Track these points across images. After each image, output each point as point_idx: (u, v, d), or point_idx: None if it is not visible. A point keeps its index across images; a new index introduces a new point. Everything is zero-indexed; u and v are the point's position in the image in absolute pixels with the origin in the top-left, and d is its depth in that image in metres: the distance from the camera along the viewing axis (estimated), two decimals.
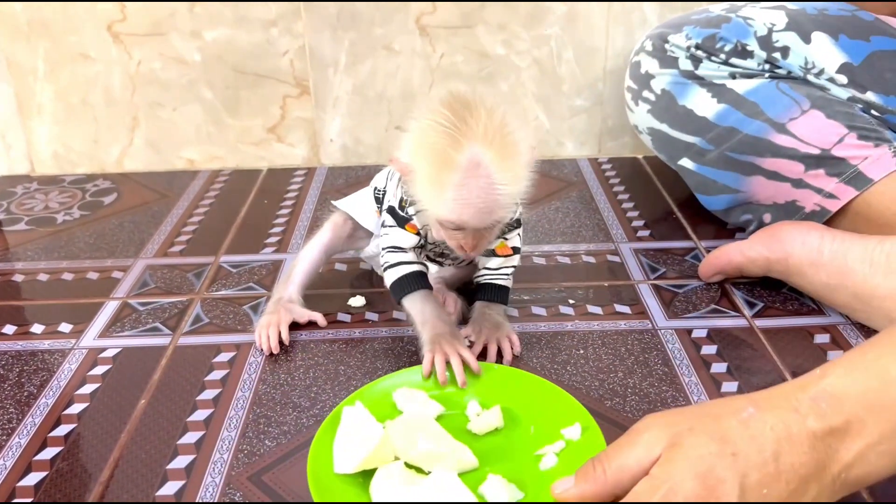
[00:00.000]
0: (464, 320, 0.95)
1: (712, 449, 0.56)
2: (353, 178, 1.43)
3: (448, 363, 0.82)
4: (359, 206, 0.99)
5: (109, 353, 0.93)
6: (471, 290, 0.96)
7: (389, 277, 0.88)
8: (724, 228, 1.17)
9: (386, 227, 0.89)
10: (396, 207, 0.88)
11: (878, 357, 0.57)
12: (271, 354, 0.91)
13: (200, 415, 0.82)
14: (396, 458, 0.72)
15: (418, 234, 0.87)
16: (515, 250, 0.91)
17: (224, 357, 0.91)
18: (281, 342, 0.92)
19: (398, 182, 0.88)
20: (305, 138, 1.46)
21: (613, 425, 0.78)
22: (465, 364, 0.81)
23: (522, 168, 0.76)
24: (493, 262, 0.92)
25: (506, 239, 0.90)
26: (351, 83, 1.41)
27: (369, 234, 1.01)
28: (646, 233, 1.18)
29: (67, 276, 1.12)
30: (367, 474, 0.70)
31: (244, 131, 1.45)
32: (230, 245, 1.19)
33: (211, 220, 1.28)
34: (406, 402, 0.79)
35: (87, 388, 0.87)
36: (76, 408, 0.84)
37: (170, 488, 0.73)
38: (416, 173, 0.78)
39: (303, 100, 1.43)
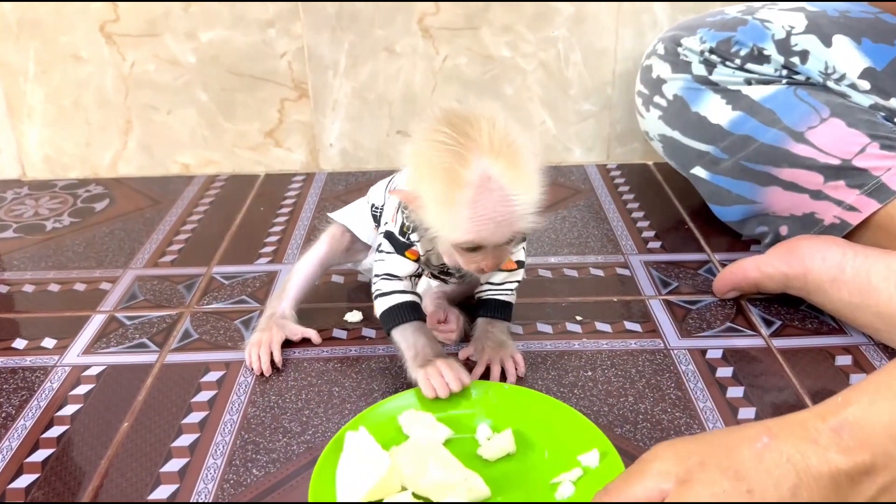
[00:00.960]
0: (465, 338, 0.90)
1: (725, 486, 0.52)
2: (352, 183, 1.38)
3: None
4: (356, 218, 0.95)
5: (94, 371, 0.89)
6: (472, 306, 0.91)
7: (381, 306, 0.83)
8: (738, 240, 1.13)
9: (382, 252, 0.84)
10: (396, 234, 0.83)
11: None
12: (262, 374, 0.87)
13: (185, 440, 0.78)
14: (404, 488, 0.68)
15: (418, 259, 0.83)
16: (520, 264, 0.86)
17: (213, 376, 0.87)
18: (273, 363, 0.88)
19: (398, 208, 0.83)
20: (304, 143, 1.41)
21: (624, 454, 0.73)
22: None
23: (534, 175, 0.72)
24: (497, 277, 0.88)
25: (511, 252, 0.85)
26: (351, 86, 1.37)
27: (367, 247, 0.96)
28: (656, 244, 1.13)
29: (54, 288, 1.07)
30: None
31: (241, 135, 1.41)
32: (223, 255, 1.14)
33: (205, 228, 1.23)
34: (413, 426, 0.75)
35: (69, 410, 0.83)
36: (55, 431, 0.80)
37: None
38: (422, 199, 0.73)
39: (301, 103, 1.38)
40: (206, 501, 0.69)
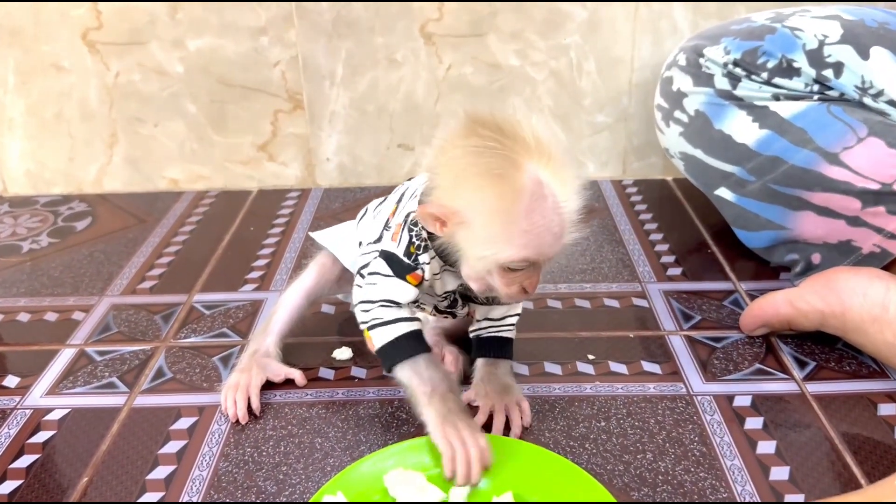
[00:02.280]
0: (464, 378, 0.81)
1: None
2: (350, 200, 1.30)
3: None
4: (344, 244, 0.86)
5: (56, 416, 0.81)
6: (467, 343, 0.82)
7: (382, 337, 0.72)
8: (766, 266, 1.03)
9: (376, 275, 0.73)
10: (401, 255, 0.72)
11: None
12: (237, 422, 0.78)
13: (150, 497, 0.69)
14: None
15: (419, 285, 0.72)
16: None
17: (184, 423, 0.79)
18: (251, 409, 0.79)
19: (405, 225, 0.72)
20: (299, 157, 1.33)
21: None
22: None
23: (576, 178, 0.64)
24: (497, 312, 0.79)
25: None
26: (349, 97, 1.28)
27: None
28: (677, 270, 1.04)
29: (23, 317, 0.99)
30: None
31: (232, 149, 1.32)
32: (207, 281, 1.06)
33: (189, 250, 1.15)
34: (399, 488, 0.66)
35: (25, 461, 0.75)
36: (8, 486, 0.72)
37: None
38: (465, 213, 0.63)
39: (296, 115, 1.30)
40: None
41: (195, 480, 0.71)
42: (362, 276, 0.74)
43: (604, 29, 1.23)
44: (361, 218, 0.86)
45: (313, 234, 0.89)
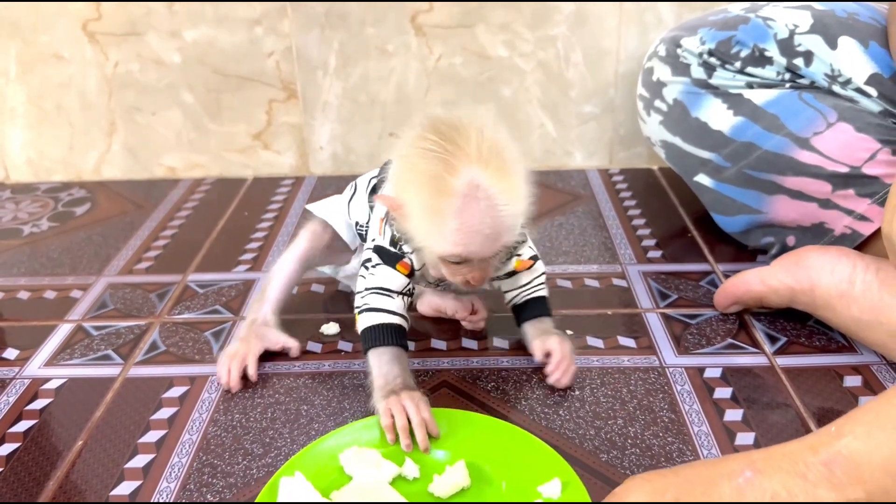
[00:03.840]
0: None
1: None
2: (343, 187, 1.32)
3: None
4: (337, 213, 0.90)
5: (53, 385, 0.84)
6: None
7: (365, 321, 0.77)
8: (744, 250, 1.06)
9: (371, 266, 0.78)
10: (387, 245, 0.77)
11: None
12: (229, 390, 0.82)
13: (140, 460, 0.73)
14: None
15: (410, 273, 0.77)
16: (535, 258, 0.83)
17: (176, 392, 0.82)
18: (246, 377, 0.82)
19: (385, 220, 0.78)
20: (293, 145, 1.36)
21: (607, 483, 0.68)
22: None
23: (522, 185, 0.68)
24: (523, 279, 0.83)
25: (518, 255, 0.81)
26: (341, 87, 1.31)
27: (348, 248, 0.91)
28: (657, 254, 1.07)
29: (23, 295, 1.03)
30: None
31: (227, 138, 1.36)
32: (201, 262, 1.09)
33: (185, 233, 1.18)
34: (355, 466, 0.68)
35: (22, 426, 0.78)
36: (6, 448, 0.75)
37: None
38: (408, 207, 0.69)
39: (290, 104, 1.33)
40: None
41: (185, 444, 0.75)
42: (365, 267, 0.79)
43: (590, 21, 1.26)
44: (353, 196, 0.89)
45: (308, 206, 0.93)
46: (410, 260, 0.77)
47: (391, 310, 0.77)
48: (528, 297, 0.83)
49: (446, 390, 0.80)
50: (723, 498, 0.49)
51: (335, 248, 0.91)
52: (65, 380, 0.85)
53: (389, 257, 0.77)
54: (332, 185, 1.34)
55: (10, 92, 1.33)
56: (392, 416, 0.70)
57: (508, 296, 0.85)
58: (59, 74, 1.32)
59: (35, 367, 0.87)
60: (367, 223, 0.85)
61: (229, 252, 1.12)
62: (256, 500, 0.64)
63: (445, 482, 0.66)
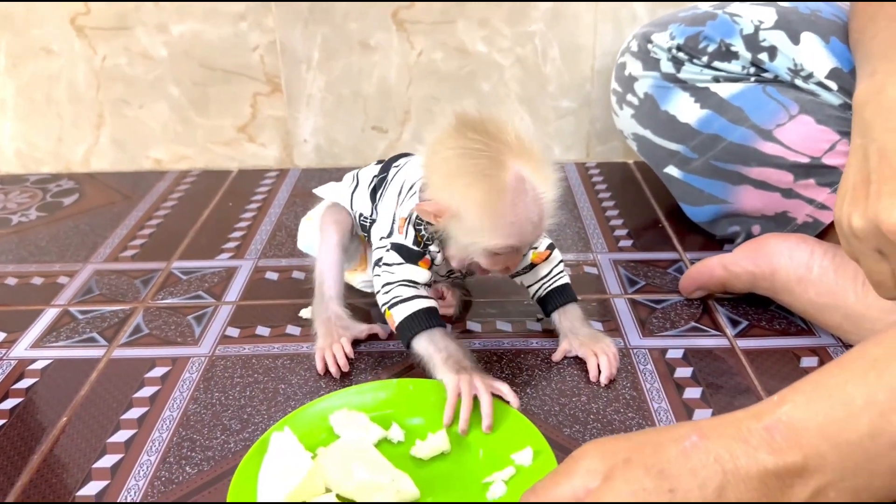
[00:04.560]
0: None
1: (647, 485, 0.50)
2: (327, 179, 1.33)
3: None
4: (345, 199, 0.93)
5: (39, 366, 0.87)
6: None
7: (402, 311, 0.78)
8: (712, 239, 1.10)
9: (391, 265, 0.80)
10: (410, 245, 0.79)
11: (844, 383, 0.50)
12: (208, 369, 0.84)
13: (122, 436, 0.76)
14: (328, 490, 0.66)
15: (429, 268, 0.80)
16: (551, 247, 0.86)
17: (158, 372, 0.85)
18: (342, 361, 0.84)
19: (409, 221, 0.79)
20: (277, 138, 1.39)
21: (568, 455, 0.71)
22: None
23: (553, 172, 0.72)
24: (542, 271, 0.86)
25: (535, 248, 0.84)
26: (324, 80, 1.35)
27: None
28: (628, 243, 1.11)
29: (11, 282, 1.05)
30: None
31: (213, 130, 1.39)
32: (185, 250, 1.12)
33: (170, 223, 1.21)
34: (344, 427, 0.72)
35: (8, 404, 0.81)
36: None
37: None
38: (455, 210, 0.71)
39: (274, 98, 1.36)
40: (131, 502, 0.67)
41: (165, 420, 0.78)
42: (380, 266, 0.81)
43: (567, 18, 1.30)
44: (355, 188, 0.91)
45: (318, 192, 0.96)
46: (432, 257, 0.79)
47: (423, 295, 0.79)
48: (551, 287, 0.86)
49: (420, 369, 0.83)
50: (669, 460, 0.51)
51: (356, 224, 0.93)
52: (50, 361, 0.88)
53: (412, 255, 0.79)
54: (315, 177, 1.37)
55: None
56: (458, 393, 0.72)
57: (532, 290, 0.87)
58: (49, 67, 1.35)
59: (22, 348, 0.90)
60: (370, 216, 0.88)
61: (213, 241, 1.15)
62: (244, 459, 0.67)
63: (426, 446, 0.69)
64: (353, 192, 0.92)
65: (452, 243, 0.76)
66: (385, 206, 0.86)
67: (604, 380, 0.80)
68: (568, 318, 0.85)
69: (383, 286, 0.80)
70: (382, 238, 0.83)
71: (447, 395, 0.73)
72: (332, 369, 0.83)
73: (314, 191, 0.97)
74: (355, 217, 0.91)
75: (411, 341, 0.78)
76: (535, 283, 0.86)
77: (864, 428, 0.49)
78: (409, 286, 0.79)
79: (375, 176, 0.90)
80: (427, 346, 0.77)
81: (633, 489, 0.50)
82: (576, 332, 0.84)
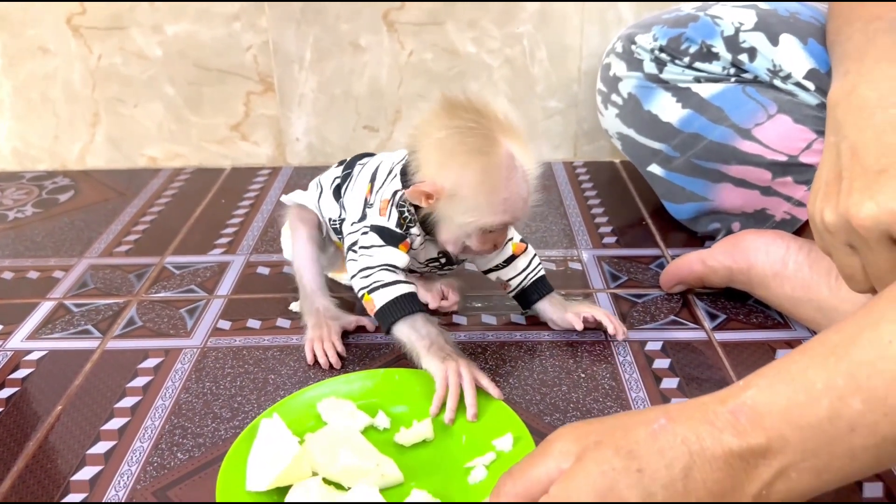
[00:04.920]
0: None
1: (616, 464, 0.52)
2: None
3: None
4: (312, 202, 0.94)
5: (34, 356, 0.89)
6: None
7: (383, 297, 0.78)
8: (694, 236, 1.12)
9: (370, 248, 0.80)
10: (392, 227, 0.79)
11: (805, 368, 0.52)
12: (200, 360, 0.87)
13: (116, 423, 0.78)
14: (315, 474, 0.68)
15: (408, 252, 0.81)
16: (524, 241, 0.89)
17: (150, 363, 0.87)
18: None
19: (392, 203, 0.80)
20: (270, 136, 1.42)
21: None
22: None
23: (534, 150, 0.75)
24: (521, 263, 0.88)
25: (511, 238, 0.87)
26: (317, 80, 1.37)
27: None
28: (612, 240, 1.13)
29: (7, 276, 1.07)
30: (283, 492, 0.66)
31: (207, 129, 1.41)
32: (178, 246, 1.14)
33: (164, 219, 1.23)
34: (331, 414, 0.75)
35: (5, 393, 0.83)
36: None
37: (71, 499, 0.69)
38: (454, 188, 0.73)
39: (267, 97, 1.38)
40: (116, 502, 0.69)
41: (158, 408, 0.80)
42: (355, 251, 0.81)
43: (554, 19, 1.32)
44: (320, 195, 0.93)
45: (283, 199, 0.98)
46: (411, 240, 0.80)
47: (403, 280, 0.79)
48: (535, 277, 0.89)
49: (408, 360, 0.85)
50: (638, 441, 0.53)
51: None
52: (46, 352, 0.90)
53: (393, 238, 0.79)
54: (307, 174, 1.40)
55: None
56: (447, 383, 0.74)
57: (513, 282, 0.89)
58: (45, 67, 1.37)
59: (18, 340, 0.92)
60: (339, 218, 0.90)
61: (206, 237, 1.17)
62: (234, 444, 0.70)
63: (410, 434, 0.72)
64: (319, 198, 0.93)
65: (445, 226, 0.77)
66: (353, 196, 0.87)
67: (621, 333, 0.86)
68: (557, 303, 0.89)
69: (361, 270, 0.80)
70: (354, 223, 0.83)
71: (436, 385, 0.75)
72: (322, 361, 0.85)
73: (282, 198, 0.98)
74: (325, 223, 0.92)
75: (392, 326, 0.78)
76: (518, 275, 0.88)
77: (824, 411, 0.50)
78: (390, 271, 0.79)
79: (338, 177, 0.91)
80: (409, 332, 0.78)
81: (603, 469, 0.52)
82: (575, 308, 0.88)
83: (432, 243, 0.83)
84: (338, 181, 0.91)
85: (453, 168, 0.72)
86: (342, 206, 0.89)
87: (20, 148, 1.43)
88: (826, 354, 0.53)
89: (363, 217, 0.83)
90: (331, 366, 0.85)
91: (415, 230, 0.80)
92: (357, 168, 0.90)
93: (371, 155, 0.93)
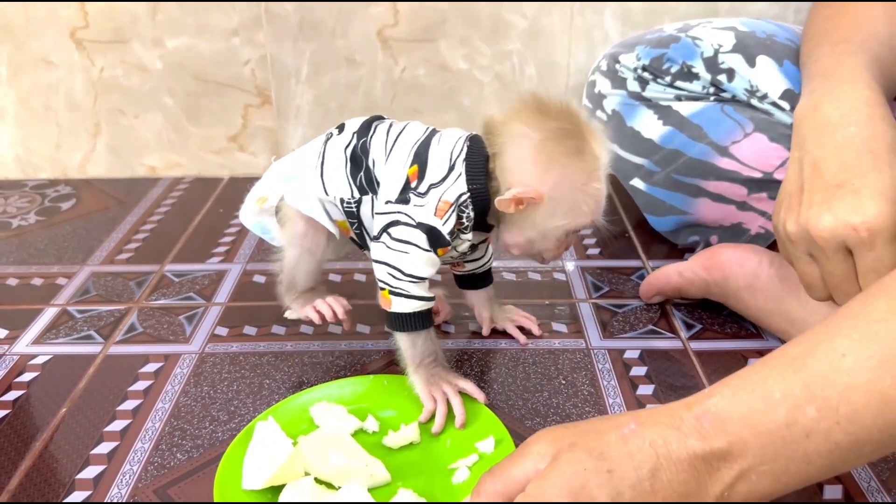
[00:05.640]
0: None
1: (588, 465, 0.56)
2: None
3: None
4: (312, 201, 0.83)
5: (39, 361, 0.93)
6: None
7: (400, 306, 0.78)
8: (674, 248, 1.16)
9: (410, 244, 0.76)
10: (446, 233, 0.76)
11: (765, 378, 0.56)
12: (198, 365, 0.91)
13: (118, 425, 0.82)
14: (307, 474, 0.72)
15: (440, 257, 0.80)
16: None
17: (151, 367, 0.91)
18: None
19: (456, 206, 0.76)
20: (267, 147, 1.46)
21: None
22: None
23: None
24: (480, 251, 0.91)
25: None
26: (313, 94, 1.41)
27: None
28: (596, 251, 1.17)
29: (12, 282, 1.11)
30: (277, 490, 0.70)
31: (206, 139, 1.45)
32: (177, 254, 1.18)
33: (164, 227, 1.27)
34: (323, 417, 0.79)
35: (11, 396, 0.87)
36: None
37: (75, 498, 0.72)
38: (552, 192, 0.73)
39: (264, 109, 1.42)
40: (117, 502, 0.73)
41: (158, 411, 0.84)
42: (390, 236, 0.77)
43: (543, 37, 1.37)
44: (322, 170, 0.83)
45: (270, 178, 0.89)
46: (456, 245, 0.80)
47: (426, 297, 0.79)
48: (487, 267, 0.94)
49: (396, 367, 0.89)
50: (609, 444, 0.57)
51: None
52: (50, 356, 0.94)
53: (438, 243, 0.77)
54: None
55: (0, 93, 1.42)
56: (434, 402, 0.78)
57: (469, 266, 0.92)
58: (48, 78, 1.41)
59: (23, 345, 0.96)
60: (354, 199, 0.81)
61: (204, 245, 1.21)
62: (231, 445, 0.74)
63: (397, 437, 0.76)
64: (321, 175, 0.83)
65: (521, 230, 0.77)
66: (389, 172, 0.79)
67: (536, 329, 0.95)
68: (487, 300, 0.95)
69: (390, 266, 0.77)
70: (389, 202, 0.78)
71: (423, 406, 0.79)
72: (328, 314, 0.86)
73: (267, 173, 0.90)
74: (335, 202, 0.82)
75: (396, 332, 0.80)
76: (477, 260, 0.92)
77: (781, 418, 0.54)
78: (418, 283, 0.78)
79: (349, 147, 0.83)
80: (407, 346, 0.80)
81: (575, 469, 0.56)
82: (497, 309, 0.96)
83: (470, 244, 0.81)
84: (351, 153, 0.82)
85: (554, 172, 0.73)
86: (368, 183, 0.80)
87: (23, 156, 1.47)
88: (785, 366, 0.56)
89: (404, 200, 0.77)
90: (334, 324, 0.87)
91: (467, 235, 0.79)
92: (379, 135, 0.82)
93: (380, 118, 0.87)
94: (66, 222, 1.30)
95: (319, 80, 1.40)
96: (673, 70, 1.08)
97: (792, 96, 1.01)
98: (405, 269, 0.77)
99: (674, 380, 0.87)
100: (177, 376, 0.89)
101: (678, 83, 1.08)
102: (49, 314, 1.03)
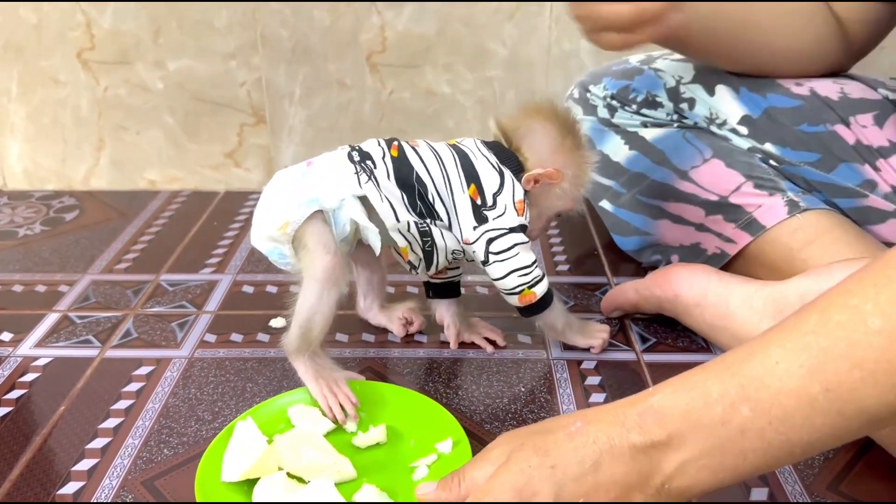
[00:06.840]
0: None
1: (533, 462, 0.61)
2: None
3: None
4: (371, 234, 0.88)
5: (41, 363, 1.00)
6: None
7: (542, 288, 0.92)
8: (640, 267, 1.23)
9: (516, 246, 0.88)
10: (527, 224, 0.90)
11: (705, 379, 0.60)
12: (187, 369, 0.98)
13: (111, 423, 0.89)
14: (280, 469, 0.79)
15: None
16: None
17: (143, 370, 0.98)
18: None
19: (526, 200, 0.89)
20: (261, 164, 1.54)
21: (486, 445, 0.84)
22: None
23: None
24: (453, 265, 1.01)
25: None
26: (305, 114, 1.49)
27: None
28: (565, 268, 1.25)
29: (17, 288, 1.19)
30: (253, 483, 0.77)
31: (203, 155, 1.53)
32: (173, 264, 1.26)
33: (161, 239, 1.35)
34: (300, 419, 0.86)
35: (14, 394, 0.94)
36: (1, 411, 0.91)
37: (70, 488, 0.79)
38: (564, 171, 0.89)
39: (259, 128, 1.50)
40: (102, 502, 0.80)
41: (148, 411, 0.91)
42: (493, 252, 0.88)
43: (522, 65, 1.45)
44: (390, 203, 0.85)
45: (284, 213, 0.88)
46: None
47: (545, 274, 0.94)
48: (457, 279, 1.02)
49: (370, 373, 0.97)
50: (556, 442, 0.62)
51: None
52: (51, 359, 1.01)
53: (525, 231, 0.90)
54: None
55: (11, 109, 1.50)
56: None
57: (450, 273, 1.00)
58: (56, 95, 1.49)
59: (26, 347, 1.04)
60: (427, 220, 0.87)
61: (198, 256, 1.29)
62: (213, 442, 0.81)
63: (366, 437, 0.83)
64: (389, 202, 0.85)
65: (542, 207, 0.92)
66: (459, 200, 0.87)
67: (501, 341, 1.02)
68: (459, 311, 1.03)
69: (516, 270, 0.89)
70: (476, 228, 0.88)
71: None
72: (339, 415, 0.85)
73: (283, 214, 0.87)
74: (402, 227, 0.86)
75: (545, 312, 0.94)
76: (457, 268, 1.01)
77: (718, 416, 0.58)
78: (537, 264, 0.91)
79: (390, 175, 0.86)
80: (559, 314, 0.96)
81: (521, 467, 0.61)
82: (464, 322, 1.03)
83: None
84: (399, 176, 0.86)
85: (562, 158, 0.89)
86: (438, 211, 0.87)
87: (30, 168, 1.55)
88: (723, 369, 0.61)
89: (483, 220, 0.87)
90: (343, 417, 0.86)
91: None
92: (416, 161, 0.88)
93: (396, 140, 0.93)
94: (70, 232, 1.38)
95: (311, 102, 1.48)
96: (639, 99, 1.16)
97: (750, 121, 1.08)
98: (525, 262, 0.90)
99: (625, 389, 0.94)
100: (167, 379, 0.97)
101: (644, 111, 1.16)
102: (51, 319, 1.10)
